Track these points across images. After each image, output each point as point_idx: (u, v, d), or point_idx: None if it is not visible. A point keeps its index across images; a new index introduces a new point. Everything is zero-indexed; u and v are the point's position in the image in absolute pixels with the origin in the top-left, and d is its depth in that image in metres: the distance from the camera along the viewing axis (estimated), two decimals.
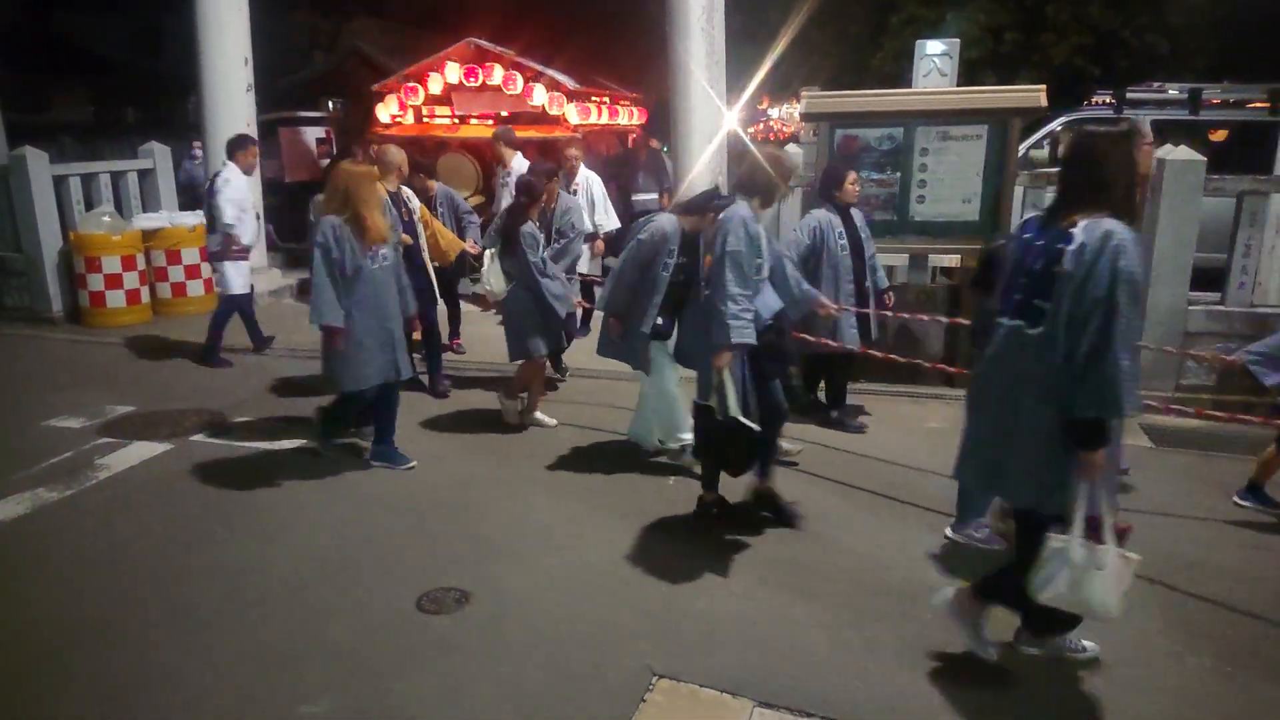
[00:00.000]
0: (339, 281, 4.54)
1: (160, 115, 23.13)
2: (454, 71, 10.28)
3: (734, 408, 3.86)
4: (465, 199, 7.26)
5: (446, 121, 10.51)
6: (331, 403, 5.00)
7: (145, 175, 9.16)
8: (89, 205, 8.58)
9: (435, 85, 10.35)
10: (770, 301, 4.10)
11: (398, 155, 5.65)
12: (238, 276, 6.87)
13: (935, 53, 7.80)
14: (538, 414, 5.61)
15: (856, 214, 5.47)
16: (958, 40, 8.06)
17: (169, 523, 4.33)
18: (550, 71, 10.16)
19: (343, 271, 4.52)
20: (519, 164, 7.22)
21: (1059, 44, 16.86)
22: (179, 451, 5.22)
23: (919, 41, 8.07)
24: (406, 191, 5.83)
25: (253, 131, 8.13)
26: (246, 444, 5.34)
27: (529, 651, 3.28)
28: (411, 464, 4.93)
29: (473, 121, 10.42)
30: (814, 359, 5.71)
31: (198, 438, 5.43)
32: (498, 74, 10.02)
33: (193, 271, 8.49)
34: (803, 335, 5.20)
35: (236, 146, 6.97)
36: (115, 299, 8.12)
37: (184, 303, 8.51)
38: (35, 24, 21.50)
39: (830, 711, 2.93)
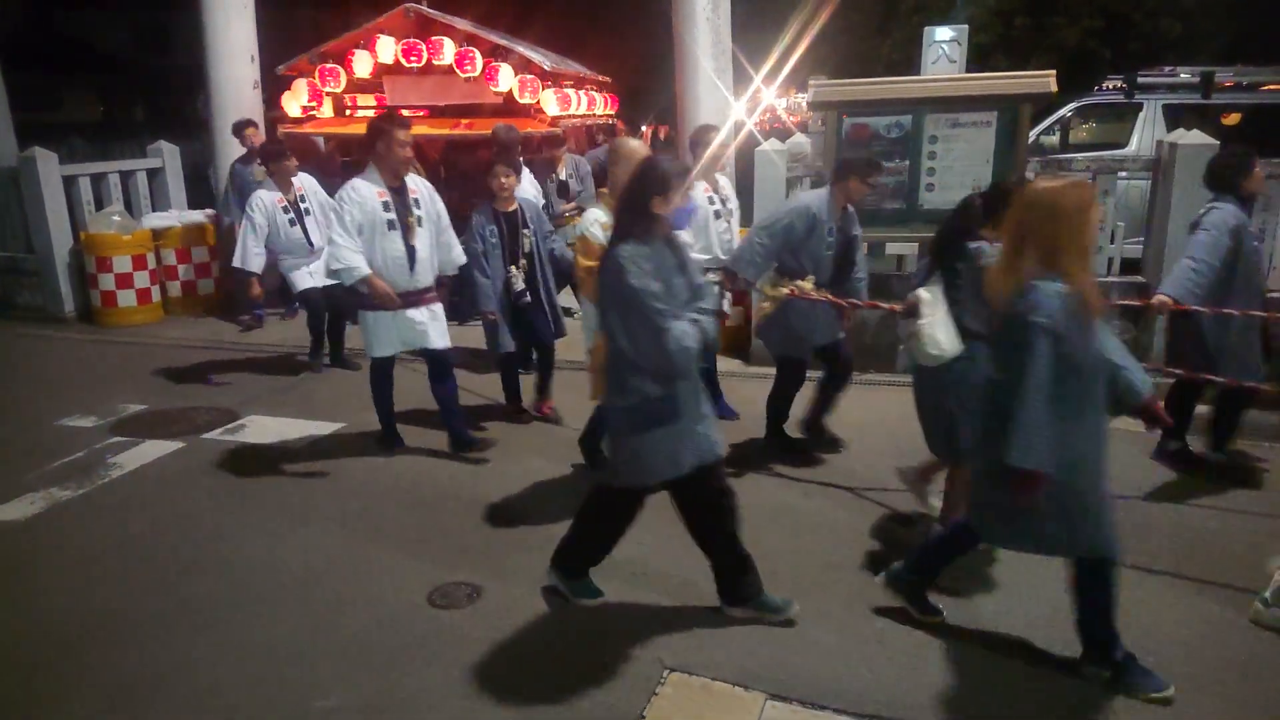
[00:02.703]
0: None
1: (170, 113, 23.23)
2: (388, 48, 7.74)
3: None
4: None
5: (373, 114, 7.83)
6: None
7: (154, 174, 9.19)
8: (99, 205, 8.61)
9: (363, 66, 7.84)
10: None
11: (639, 150, 4.06)
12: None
13: (944, 39, 7.72)
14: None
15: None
16: (966, 26, 7.98)
17: (181, 520, 4.36)
18: (519, 47, 7.88)
19: (1072, 372, 2.72)
20: (522, 175, 6.24)
21: (1070, 28, 16.72)
22: (191, 449, 5.25)
23: (927, 28, 7.99)
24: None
25: (260, 129, 8.13)
26: (258, 441, 5.36)
27: (540, 645, 3.29)
28: None
29: (404, 113, 7.84)
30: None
31: (209, 435, 5.46)
32: (448, 51, 7.56)
33: (203, 270, 8.53)
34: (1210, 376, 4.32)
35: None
36: (126, 298, 8.15)
37: (195, 301, 8.54)
38: (43, 23, 21.60)
39: (842, 703, 2.92)
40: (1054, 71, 6.01)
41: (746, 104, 10.91)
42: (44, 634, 3.42)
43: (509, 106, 7.67)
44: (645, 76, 15.18)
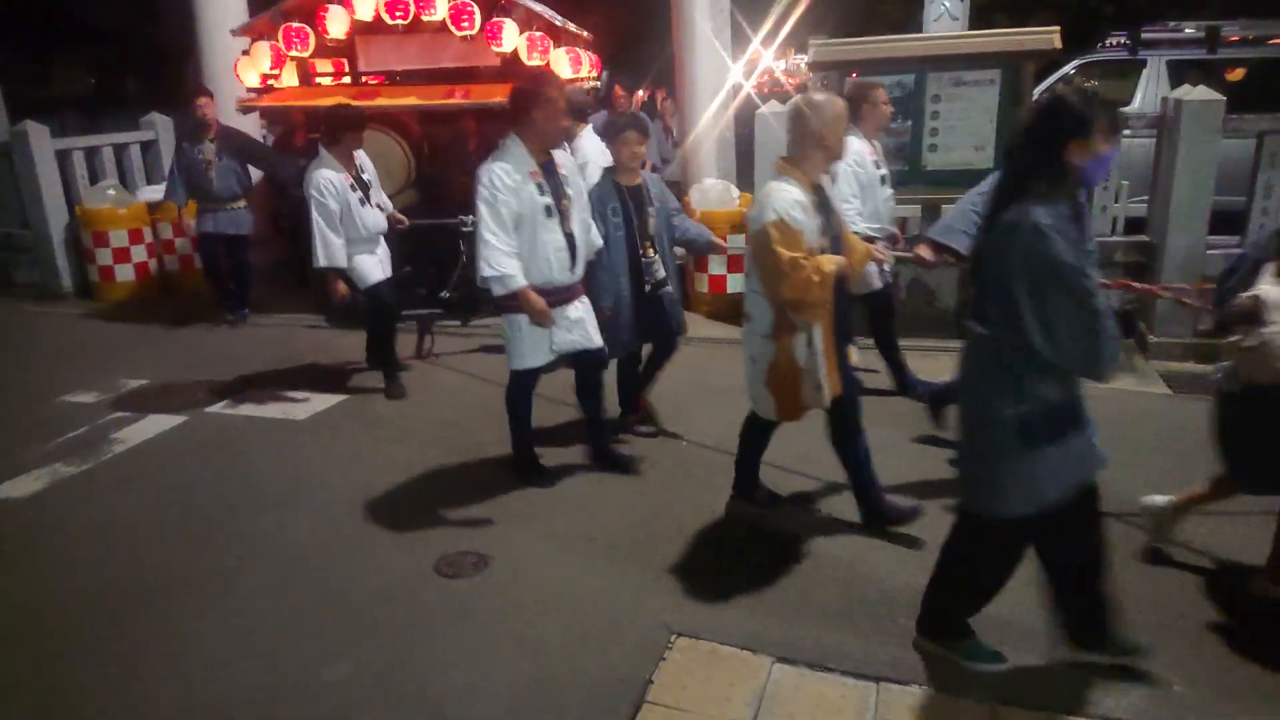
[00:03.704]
0: None
1: (161, 84, 22.96)
2: (366, 3, 6.53)
3: None
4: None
5: (336, 84, 7.07)
6: None
7: (148, 146, 9.10)
8: (93, 179, 8.54)
9: (337, 25, 6.62)
10: None
11: (836, 102, 3.42)
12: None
13: None
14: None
15: None
16: None
17: (186, 493, 4.37)
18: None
19: None
20: (591, 144, 5.32)
21: None
22: (194, 423, 5.24)
23: None
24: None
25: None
26: (261, 413, 5.36)
27: (547, 612, 3.30)
28: None
29: (365, 81, 6.98)
30: None
31: (212, 409, 5.45)
32: (441, 5, 6.40)
33: (199, 243, 8.45)
34: None
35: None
36: (124, 272, 8.11)
37: (192, 275, 8.48)
38: None
39: (850, 666, 2.94)
40: (1058, 28, 5.91)
41: (745, 66, 10.56)
42: (51, 610, 3.44)
43: (510, 70, 6.51)
44: (641, 37, 14.93)
